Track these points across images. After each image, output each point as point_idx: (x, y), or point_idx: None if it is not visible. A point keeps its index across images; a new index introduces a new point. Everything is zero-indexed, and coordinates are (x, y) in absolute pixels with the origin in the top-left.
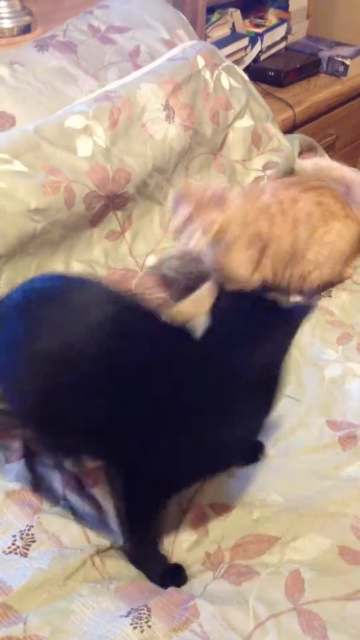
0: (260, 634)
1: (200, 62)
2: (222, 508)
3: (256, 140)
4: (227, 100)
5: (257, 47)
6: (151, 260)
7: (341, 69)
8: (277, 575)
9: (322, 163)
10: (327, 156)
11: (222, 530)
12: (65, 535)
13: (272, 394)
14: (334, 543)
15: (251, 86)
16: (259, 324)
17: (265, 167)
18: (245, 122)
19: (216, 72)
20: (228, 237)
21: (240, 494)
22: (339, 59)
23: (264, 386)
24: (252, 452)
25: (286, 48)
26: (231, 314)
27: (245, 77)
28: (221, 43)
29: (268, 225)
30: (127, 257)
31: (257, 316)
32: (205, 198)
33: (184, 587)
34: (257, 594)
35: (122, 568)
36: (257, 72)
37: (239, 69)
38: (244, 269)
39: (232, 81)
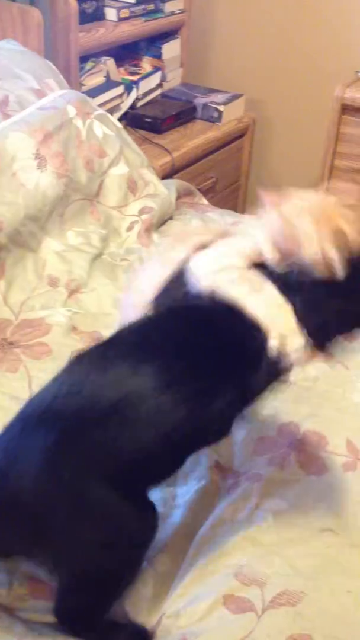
0: None
1: (71, 111)
2: None
3: (132, 187)
4: (100, 147)
5: (133, 95)
6: None
7: (216, 115)
8: None
9: None
10: (204, 200)
11: None
12: None
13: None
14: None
15: (125, 134)
16: None
17: (141, 212)
18: (120, 169)
19: (88, 120)
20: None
21: None
22: (214, 105)
23: None
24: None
25: (162, 95)
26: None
27: (119, 124)
28: (96, 91)
29: None
30: (2, 307)
31: None
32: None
33: None
34: None
35: None
36: (134, 119)
37: (112, 117)
38: None
39: (105, 129)
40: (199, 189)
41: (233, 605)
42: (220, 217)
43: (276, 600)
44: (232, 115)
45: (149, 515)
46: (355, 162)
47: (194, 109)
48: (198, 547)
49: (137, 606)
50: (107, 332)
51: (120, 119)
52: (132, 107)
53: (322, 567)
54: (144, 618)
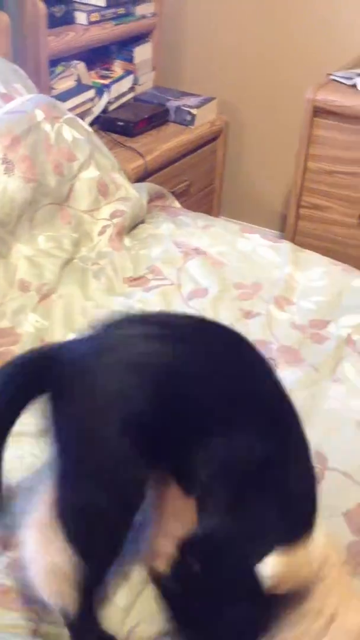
0: None
1: (39, 115)
2: None
3: (103, 190)
4: (70, 151)
5: (105, 98)
6: None
7: (188, 118)
8: None
9: None
10: (177, 202)
11: None
12: None
13: None
14: None
15: (95, 137)
16: None
17: (113, 216)
18: (91, 172)
19: (57, 124)
20: None
21: None
22: (186, 108)
23: None
24: None
25: (134, 99)
26: None
27: (88, 128)
28: (67, 95)
29: None
30: None
31: None
32: None
33: None
34: None
35: None
36: (107, 123)
37: (81, 121)
38: None
39: (74, 133)
40: (173, 193)
41: None
42: (193, 221)
43: None
44: (205, 118)
45: None
46: (328, 164)
47: (166, 112)
48: None
49: (110, 616)
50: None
51: (92, 123)
52: (104, 110)
53: None
54: (116, 627)
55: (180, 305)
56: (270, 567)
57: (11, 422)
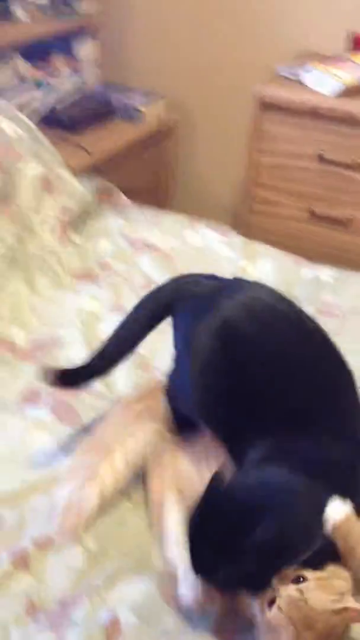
0: None
1: None
2: None
3: (47, 186)
4: (11, 148)
5: (49, 94)
6: None
7: (136, 114)
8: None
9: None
10: (123, 197)
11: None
12: None
13: None
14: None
15: (38, 133)
16: None
17: (58, 212)
18: (34, 168)
19: None
20: None
21: None
22: (133, 104)
23: None
24: None
25: (80, 95)
26: None
27: (31, 125)
28: (8, 91)
29: None
30: None
31: None
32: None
33: None
34: None
35: None
36: (51, 119)
37: (23, 117)
38: None
39: (17, 129)
40: (123, 191)
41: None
42: (142, 215)
43: None
44: (153, 115)
45: None
46: (279, 158)
47: (112, 108)
48: None
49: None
50: (19, 335)
51: (35, 119)
52: (49, 106)
53: None
54: (69, 588)
55: (131, 300)
56: (337, 512)
57: (144, 333)
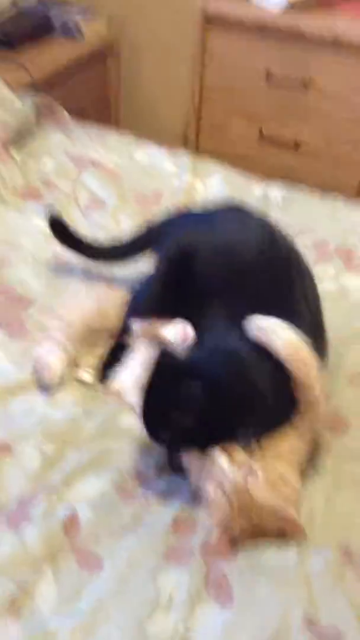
0: (37, 576)
1: None
2: None
3: None
4: None
5: None
6: None
7: (75, 31)
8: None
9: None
10: (66, 114)
11: None
12: None
13: None
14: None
15: None
16: None
17: None
18: None
19: None
20: None
21: None
22: (73, 20)
23: None
24: None
25: (16, 11)
26: None
27: None
28: None
29: None
30: None
31: None
32: None
33: None
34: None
35: None
36: None
37: None
38: None
39: None
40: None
41: (124, 494)
42: (86, 133)
43: None
44: (94, 32)
45: None
46: (225, 77)
47: (51, 25)
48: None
49: (22, 477)
50: None
51: None
52: None
53: None
54: (27, 489)
55: (78, 218)
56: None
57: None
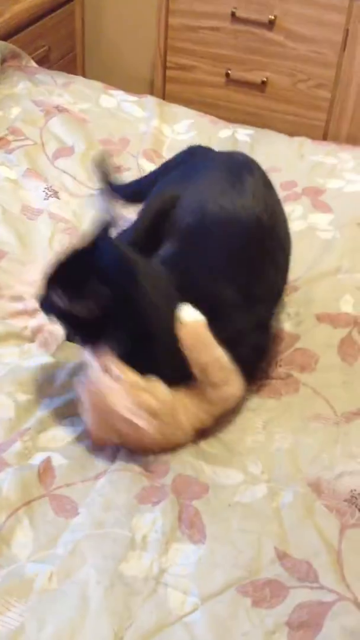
0: (13, 522)
1: None
2: None
3: None
4: None
5: None
6: None
7: None
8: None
9: None
10: (33, 62)
11: None
12: None
13: None
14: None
15: None
16: None
17: None
18: None
19: None
20: None
21: None
22: None
23: None
24: None
25: None
26: None
27: None
28: None
29: None
30: None
31: None
32: None
33: None
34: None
35: None
36: None
37: None
38: None
39: None
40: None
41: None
42: (52, 79)
43: None
44: None
45: None
46: (190, 19)
47: None
48: None
49: None
50: None
51: None
52: None
53: None
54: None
55: (46, 165)
56: (188, 315)
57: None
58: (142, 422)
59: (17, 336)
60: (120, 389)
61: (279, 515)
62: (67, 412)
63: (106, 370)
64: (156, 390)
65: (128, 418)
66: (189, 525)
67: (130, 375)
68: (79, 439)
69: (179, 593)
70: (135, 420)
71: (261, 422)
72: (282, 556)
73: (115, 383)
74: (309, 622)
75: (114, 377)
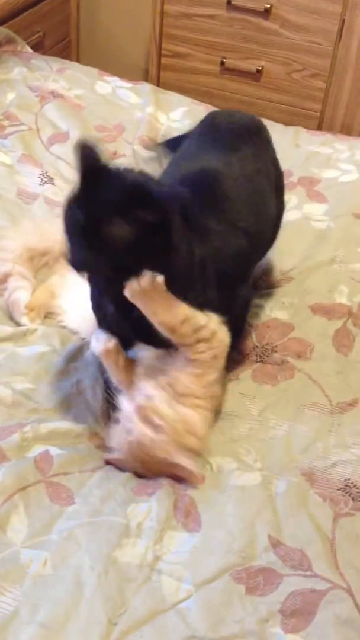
0: (9, 507)
1: None
2: None
3: None
4: None
5: None
6: None
7: None
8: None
9: None
10: (29, 48)
11: None
12: None
13: None
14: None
15: None
16: None
17: None
18: None
19: None
20: None
21: None
22: None
23: None
24: None
25: None
26: None
27: None
28: None
29: None
30: None
31: None
32: None
33: None
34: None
35: None
36: None
37: None
38: None
39: None
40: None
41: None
42: (47, 64)
43: None
44: None
45: None
46: (185, 6)
47: None
48: None
49: None
50: None
51: None
52: None
53: None
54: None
55: (41, 151)
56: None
57: None
58: (189, 463)
59: None
60: (164, 440)
61: (273, 503)
62: (64, 402)
63: (145, 419)
64: (195, 427)
65: (175, 464)
66: (185, 514)
67: (170, 420)
68: (76, 429)
69: (173, 580)
70: (183, 464)
71: (257, 410)
72: (275, 544)
73: (158, 434)
74: (302, 609)
75: (155, 427)
